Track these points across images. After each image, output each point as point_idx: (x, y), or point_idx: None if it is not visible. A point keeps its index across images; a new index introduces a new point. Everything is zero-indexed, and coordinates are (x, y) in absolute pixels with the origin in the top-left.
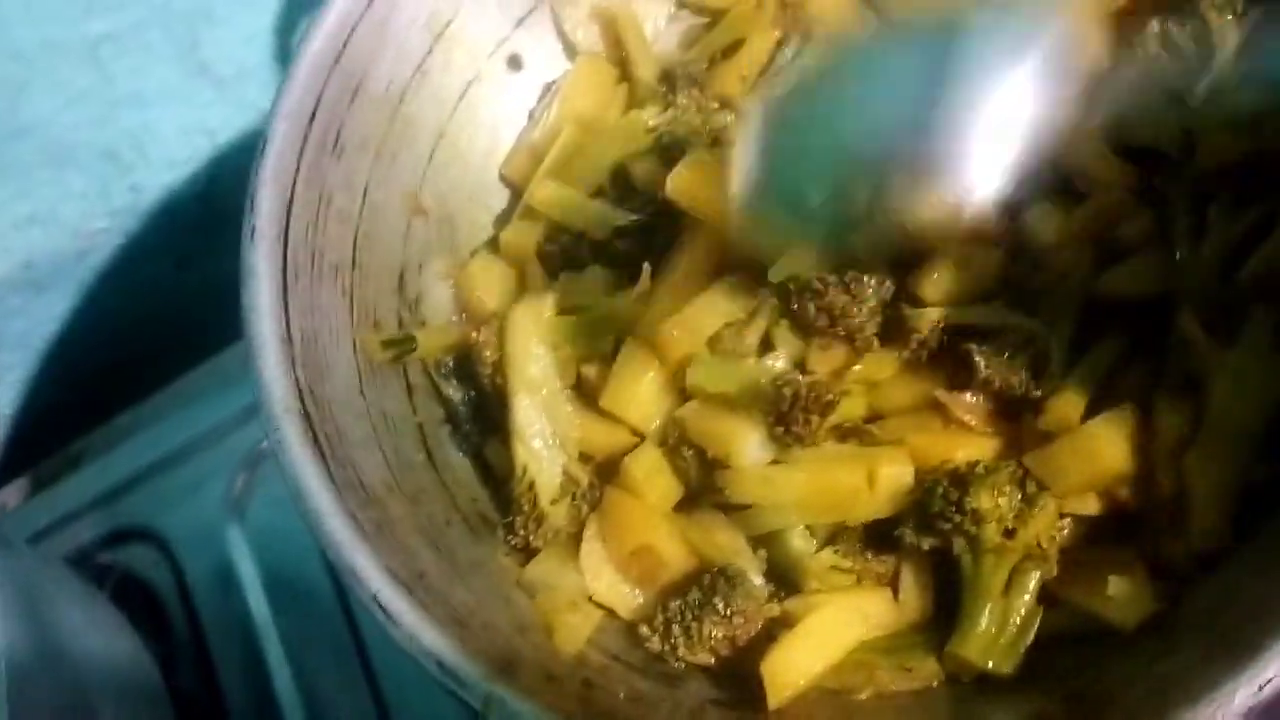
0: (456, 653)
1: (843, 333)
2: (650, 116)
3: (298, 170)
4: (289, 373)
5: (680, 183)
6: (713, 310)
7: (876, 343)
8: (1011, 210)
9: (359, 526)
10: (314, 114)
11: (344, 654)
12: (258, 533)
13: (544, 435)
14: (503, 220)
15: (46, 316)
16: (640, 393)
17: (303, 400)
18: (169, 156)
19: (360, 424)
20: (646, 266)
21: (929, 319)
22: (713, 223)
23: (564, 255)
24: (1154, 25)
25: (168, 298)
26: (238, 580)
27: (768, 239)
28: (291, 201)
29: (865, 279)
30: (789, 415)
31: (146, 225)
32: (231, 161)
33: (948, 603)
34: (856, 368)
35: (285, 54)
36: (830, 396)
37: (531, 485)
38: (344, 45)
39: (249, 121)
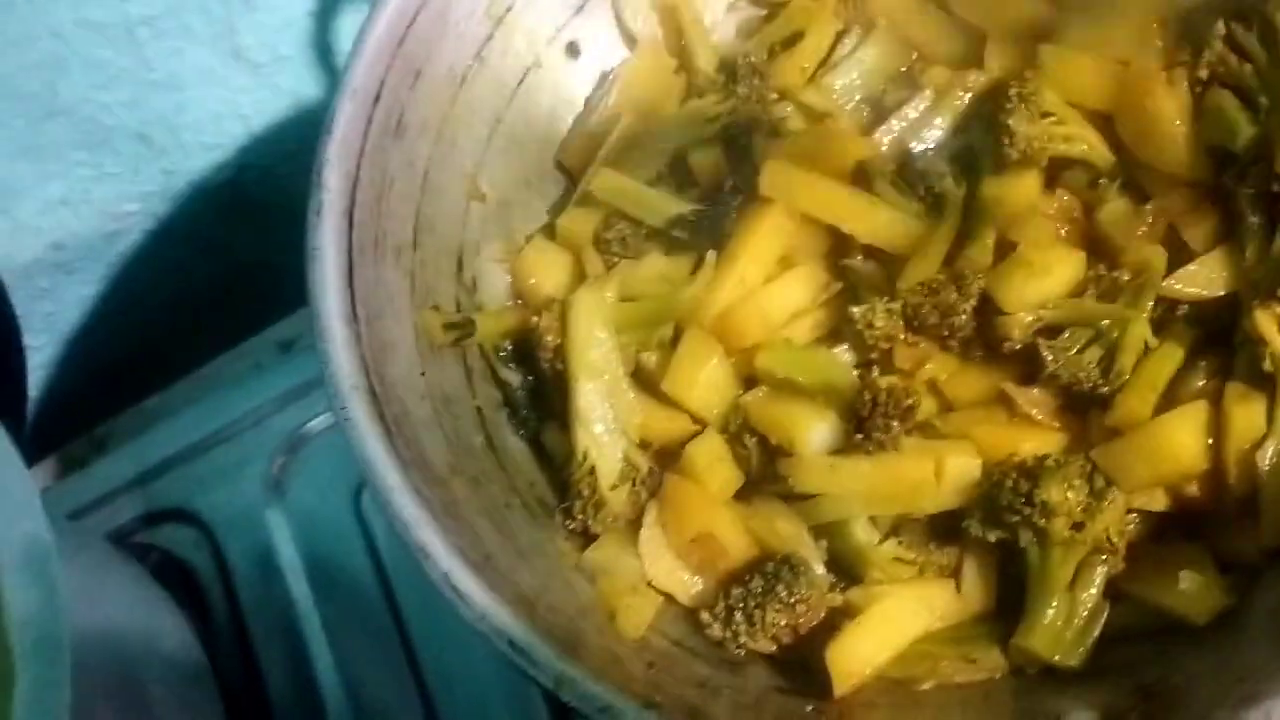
0: (527, 632)
1: (945, 332)
2: (710, 106)
3: (362, 150)
4: (355, 350)
5: (774, 178)
6: (784, 299)
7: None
8: (1087, 209)
9: (428, 505)
10: (378, 95)
11: (386, 640)
12: (298, 516)
13: (605, 420)
14: (558, 207)
15: (74, 299)
16: (703, 379)
17: (369, 378)
18: (202, 141)
19: (422, 405)
20: (711, 255)
21: (1022, 324)
22: (812, 213)
23: (620, 243)
24: (1220, 26)
25: (196, 283)
26: (278, 563)
27: None
28: (356, 181)
29: (970, 278)
30: (870, 421)
31: (177, 209)
32: (263, 148)
33: (1009, 596)
34: (928, 366)
35: (322, 42)
36: (910, 401)
37: (592, 470)
38: (407, 28)
39: (282, 108)
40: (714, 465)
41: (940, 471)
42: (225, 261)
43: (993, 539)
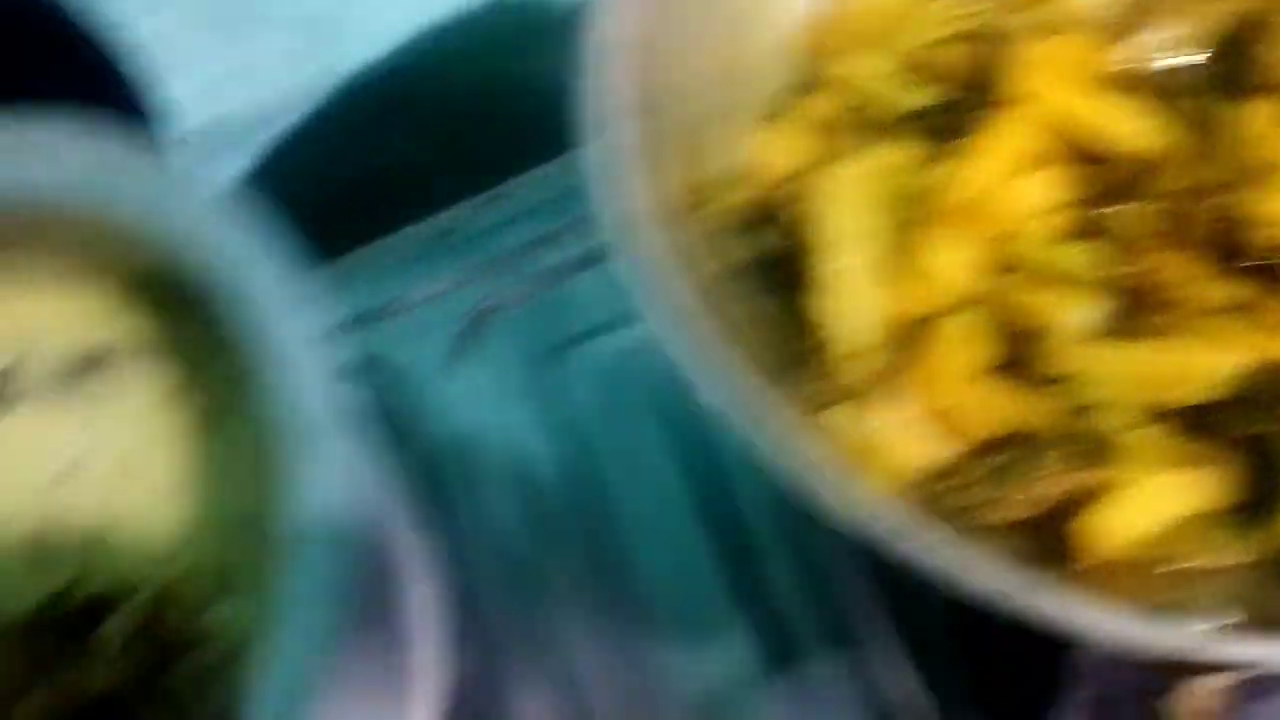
0: None
1: (1200, 239)
2: (954, 6)
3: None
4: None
5: (1023, 79)
6: (1032, 194)
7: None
8: None
9: None
10: None
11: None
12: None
13: (849, 292)
14: (798, 89)
15: (226, 179)
16: (956, 260)
17: None
18: (370, 32)
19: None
20: (967, 139)
21: None
22: (1064, 115)
23: (859, 129)
24: None
25: (349, 176)
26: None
27: None
28: (623, 34)
29: (1226, 190)
30: (1131, 309)
31: (338, 98)
32: (432, 46)
33: (1264, 489)
34: (1185, 270)
35: None
36: (1172, 294)
37: (833, 340)
38: None
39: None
40: (964, 341)
41: (1202, 362)
42: (382, 156)
43: (1258, 431)
